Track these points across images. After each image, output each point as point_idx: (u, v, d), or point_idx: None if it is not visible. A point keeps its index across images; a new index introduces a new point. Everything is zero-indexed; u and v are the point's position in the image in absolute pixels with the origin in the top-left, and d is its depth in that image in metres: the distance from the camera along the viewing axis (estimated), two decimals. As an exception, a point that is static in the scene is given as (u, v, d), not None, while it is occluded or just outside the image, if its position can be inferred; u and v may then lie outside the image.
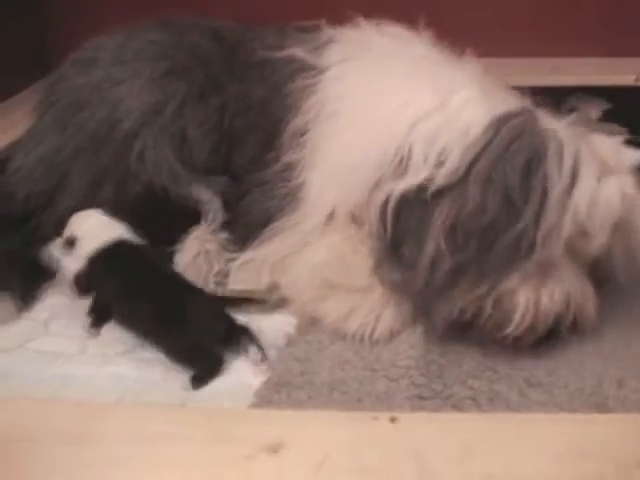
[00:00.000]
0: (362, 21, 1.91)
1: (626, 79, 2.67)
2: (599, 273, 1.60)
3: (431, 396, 1.47)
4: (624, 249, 1.59)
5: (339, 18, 1.92)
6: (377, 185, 1.66)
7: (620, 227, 1.56)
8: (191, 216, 1.87)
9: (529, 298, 1.50)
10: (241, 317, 1.68)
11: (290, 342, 1.65)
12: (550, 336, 1.54)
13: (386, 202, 1.62)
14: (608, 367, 1.53)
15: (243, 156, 1.91)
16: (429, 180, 1.57)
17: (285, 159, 1.81)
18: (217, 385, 1.54)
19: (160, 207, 1.87)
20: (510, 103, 1.65)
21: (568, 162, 1.50)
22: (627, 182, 1.56)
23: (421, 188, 1.58)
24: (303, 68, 1.86)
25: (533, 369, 1.53)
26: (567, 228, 1.49)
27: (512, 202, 1.49)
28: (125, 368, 1.61)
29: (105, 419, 1.36)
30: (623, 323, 1.65)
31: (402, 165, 1.62)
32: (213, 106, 1.93)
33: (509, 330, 1.51)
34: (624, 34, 2.78)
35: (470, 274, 1.52)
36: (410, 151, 1.62)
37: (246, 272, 1.79)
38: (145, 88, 1.93)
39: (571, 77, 2.68)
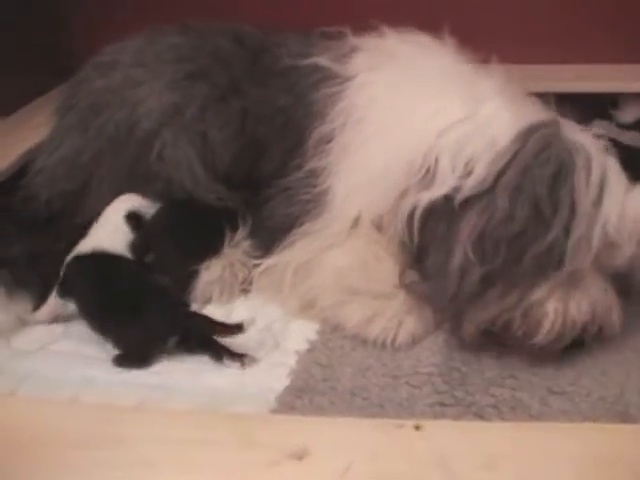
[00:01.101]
0: (386, 29, 1.91)
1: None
2: (622, 284, 1.60)
3: (453, 403, 1.47)
4: None
5: (362, 25, 1.91)
6: (404, 194, 1.66)
7: None
8: (222, 224, 1.87)
9: (558, 308, 1.51)
10: (264, 319, 1.72)
11: (312, 347, 1.65)
12: (575, 345, 1.55)
13: (413, 211, 1.62)
14: (630, 376, 1.53)
15: (268, 164, 1.90)
16: (456, 190, 1.57)
17: (309, 166, 1.81)
18: (239, 390, 1.54)
19: (192, 216, 1.87)
20: (536, 113, 1.65)
21: (596, 175, 1.51)
22: None
23: (448, 198, 1.58)
24: (328, 76, 1.86)
25: (555, 377, 1.53)
26: (597, 239, 1.50)
27: (541, 212, 1.49)
28: (145, 372, 1.61)
29: (129, 422, 1.36)
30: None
31: (429, 175, 1.63)
32: (235, 109, 1.93)
33: (538, 339, 1.52)
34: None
35: (499, 284, 1.52)
36: (437, 161, 1.62)
37: (269, 278, 1.79)
38: (165, 89, 1.93)
39: (598, 84, 2.65)
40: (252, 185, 1.92)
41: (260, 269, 1.81)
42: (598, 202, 1.50)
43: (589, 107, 2.47)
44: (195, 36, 2.04)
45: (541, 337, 1.52)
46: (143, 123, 1.90)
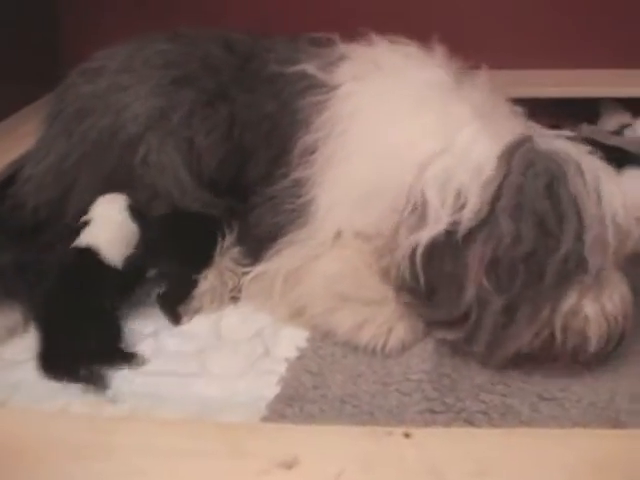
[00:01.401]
0: (375, 37, 1.91)
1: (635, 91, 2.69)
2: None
3: (443, 410, 1.47)
4: None
5: (351, 32, 1.92)
6: (389, 214, 1.66)
7: None
8: (215, 232, 1.87)
9: (596, 310, 1.49)
10: (252, 326, 1.72)
11: (302, 355, 1.65)
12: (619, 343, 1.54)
13: (413, 252, 1.58)
14: (621, 382, 1.53)
15: (253, 171, 1.91)
16: (454, 224, 1.55)
17: (294, 175, 1.81)
18: (230, 398, 1.54)
19: (186, 225, 1.87)
20: (512, 130, 1.65)
21: (589, 175, 1.51)
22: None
23: (448, 233, 1.55)
24: (314, 85, 1.87)
25: (546, 383, 1.52)
26: (612, 236, 1.49)
27: (546, 226, 1.48)
28: (135, 381, 1.60)
29: (118, 432, 1.35)
30: (635, 337, 1.63)
31: (418, 210, 1.60)
32: (222, 115, 1.93)
33: (590, 346, 1.50)
34: (631, 45, 2.79)
35: (524, 307, 1.50)
36: (423, 195, 1.60)
37: (258, 285, 1.79)
38: (151, 94, 1.94)
39: (586, 89, 2.69)
40: (238, 191, 1.92)
41: (249, 276, 1.81)
42: (600, 200, 1.50)
43: (577, 112, 2.51)
44: (185, 43, 2.05)
45: (593, 342, 1.49)
46: (128, 128, 1.90)
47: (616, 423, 1.42)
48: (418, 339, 1.65)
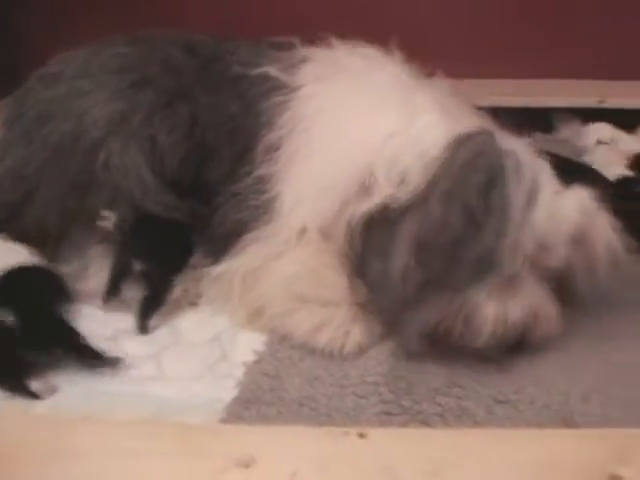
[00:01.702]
0: (335, 41, 1.93)
1: (590, 101, 2.75)
2: (565, 291, 1.64)
3: (399, 412, 1.48)
4: (585, 263, 1.63)
5: (312, 36, 1.94)
6: (344, 207, 1.69)
7: (580, 241, 1.60)
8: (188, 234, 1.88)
9: (497, 312, 1.53)
10: (210, 330, 1.73)
11: (260, 359, 1.65)
12: (516, 349, 1.57)
13: (352, 222, 1.65)
14: (574, 383, 1.55)
15: (217, 170, 1.90)
16: (392, 199, 1.60)
17: (258, 172, 1.82)
18: (187, 400, 1.54)
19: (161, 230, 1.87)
20: (471, 124, 1.68)
21: (526, 179, 1.54)
22: (585, 196, 1.61)
23: (385, 207, 1.61)
24: (277, 86, 1.88)
25: (500, 386, 1.54)
26: (528, 243, 1.53)
27: (474, 219, 1.52)
28: (93, 384, 1.60)
29: (76, 434, 1.35)
30: (587, 339, 1.67)
31: (365, 187, 1.66)
32: (182, 115, 1.93)
33: (480, 342, 1.54)
34: (588, 57, 2.85)
35: (439, 289, 1.54)
36: (373, 173, 1.65)
37: (217, 287, 1.80)
38: (110, 99, 1.92)
39: (536, 98, 2.76)
40: (201, 191, 1.92)
41: (209, 278, 1.81)
42: (528, 206, 1.53)
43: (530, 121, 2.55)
44: (145, 45, 2.04)
45: (482, 341, 1.54)
46: (90, 132, 1.89)
47: (570, 424, 1.44)
48: (375, 342, 1.66)
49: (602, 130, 2.64)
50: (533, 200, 1.53)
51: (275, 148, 1.82)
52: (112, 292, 1.78)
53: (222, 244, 1.82)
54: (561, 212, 1.56)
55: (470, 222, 1.52)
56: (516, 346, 1.57)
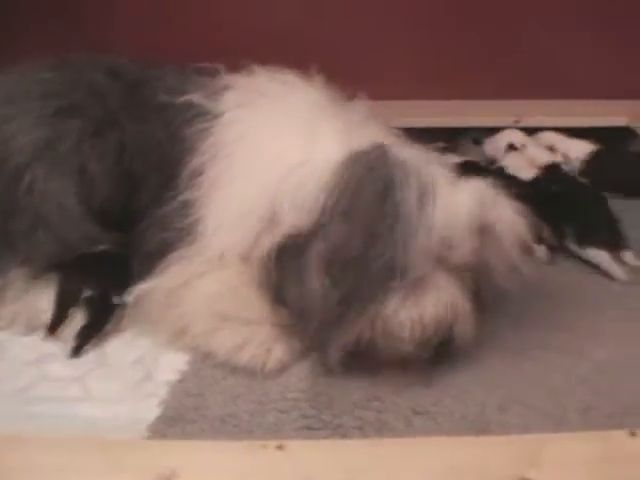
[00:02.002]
0: (256, 68, 1.98)
1: (506, 120, 2.84)
2: (483, 290, 1.68)
3: (320, 427, 1.51)
4: (496, 253, 1.66)
5: (234, 64, 1.99)
6: (259, 235, 1.73)
7: (485, 231, 1.63)
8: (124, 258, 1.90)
9: (411, 313, 1.56)
10: (134, 351, 1.74)
11: (183, 378, 1.67)
12: (443, 350, 1.60)
13: (265, 253, 1.69)
14: (491, 394, 1.59)
15: (144, 196, 1.92)
16: (298, 227, 1.64)
17: (183, 197, 1.84)
18: (113, 420, 1.55)
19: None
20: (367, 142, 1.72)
21: (415, 183, 1.58)
22: (481, 186, 1.64)
23: (294, 235, 1.65)
24: (201, 113, 1.91)
25: (419, 398, 1.58)
26: (431, 244, 1.56)
27: (373, 231, 1.56)
28: (22, 403, 1.61)
29: (5, 452, 1.36)
30: (505, 350, 1.72)
31: (275, 215, 1.70)
32: (111, 142, 1.94)
33: (403, 349, 1.57)
34: (506, 77, 2.97)
35: (354, 304, 1.57)
36: (280, 204, 1.69)
37: (141, 309, 1.80)
38: (35, 125, 1.92)
39: (456, 118, 2.86)
40: (127, 220, 1.93)
41: (132, 298, 1.81)
42: (421, 208, 1.56)
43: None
44: (68, 71, 2.04)
45: (405, 347, 1.56)
46: (15, 157, 1.89)
47: (487, 433, 1.48)
48: (296, 359, 1.69)
49: (513, 135, 2.73)
50: (426, 202, 1.56)
51: (198, 173, 1.85)
52: (58, 321, 1.78)
53: (147, 264, 1.83)
54: (458, 205, 1.59)
55: (370, 235, 1.56)
56: (441, 347, 1.59)
